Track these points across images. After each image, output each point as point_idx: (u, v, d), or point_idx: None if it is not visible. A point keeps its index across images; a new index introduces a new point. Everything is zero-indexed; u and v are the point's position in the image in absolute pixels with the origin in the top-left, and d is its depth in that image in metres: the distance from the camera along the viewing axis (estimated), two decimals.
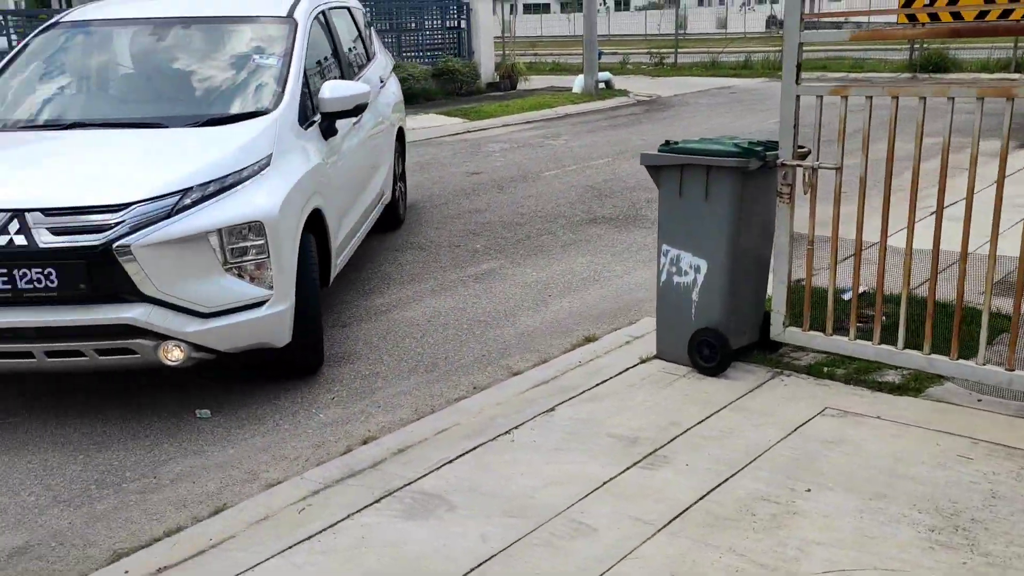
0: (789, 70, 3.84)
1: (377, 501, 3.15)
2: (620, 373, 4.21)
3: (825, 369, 4.08)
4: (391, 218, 6.96)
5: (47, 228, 3.64)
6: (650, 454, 3.40)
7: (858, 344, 3.94)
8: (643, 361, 4.32)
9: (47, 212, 3.65)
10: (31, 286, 3.63)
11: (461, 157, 10.72)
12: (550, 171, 9.63)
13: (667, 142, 4.23)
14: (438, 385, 4.34)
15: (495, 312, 5.35)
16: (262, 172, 4.08)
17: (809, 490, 3.09)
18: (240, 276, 3.90)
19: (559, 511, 3.03)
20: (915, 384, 3.88)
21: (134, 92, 4.96)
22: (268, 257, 3.93)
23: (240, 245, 3.88)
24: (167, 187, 3.78)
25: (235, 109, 4.56)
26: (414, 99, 15.22)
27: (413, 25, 17.44)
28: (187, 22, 5.19)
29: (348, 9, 6.54)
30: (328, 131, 4.87)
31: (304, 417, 4.02)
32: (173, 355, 3.82)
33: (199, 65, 4.92)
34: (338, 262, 5.06)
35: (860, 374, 3.99)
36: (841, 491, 3.08)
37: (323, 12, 5.66)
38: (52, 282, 3.65)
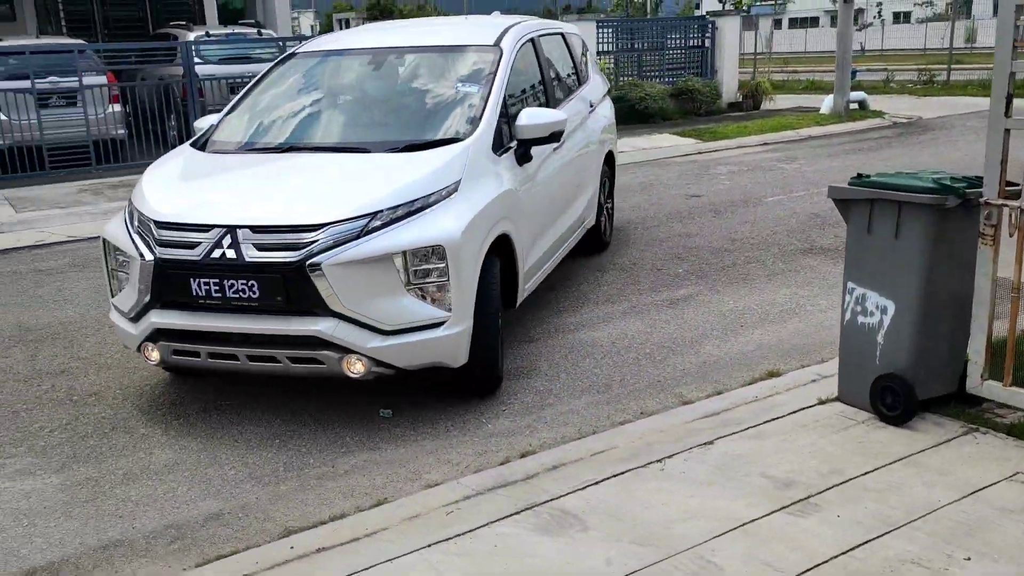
0: (998, 100, 3.53)
1: (517, 513, 3.28)
2: (793, 412, 4.05)
3: None
4: (595, 240, 6.98)
5: (253, 244, 3.97)
6: (801, 500, 3.27)
7: None
8: (821, 402, 4.12)
9: (254, 229, 3.99)
10: (237, 295, 3.98)
11: (685, 179, 10.63)
12: (774, 196, 9.32)
13: (859, 175, 4.03)
14: (607, 407, 4.40)
15: (681, 339, 5.31)
16: (449, 198, 4.23)
17: (969, 559, 2.84)
18: (421, 297, 4.06)
19: (690, 546, 3.00)
20: None
21: (347, 118, 5.24)
22: (448, 280, 4.06)
23: (423, 267, 4.04)
24: (358, 210, 4.01)
25: (432, 135, 4.73)
26: (650, 119, 15.27)
27: (656, 45, 17.47)
28: (401, 52, 5.49)
29: (562, 35, 6.69)
30: (523, 157, 4.95)
31: (473, 426, 4.24)
32: (355, 368, 4.04)
33: (407, 93, 5.20)
34: (528, 286, 5.13)
35: None
36: (1006, 563, 2.80)
37: (532, 40, 5.81)
38: (254, 293, 3.97)
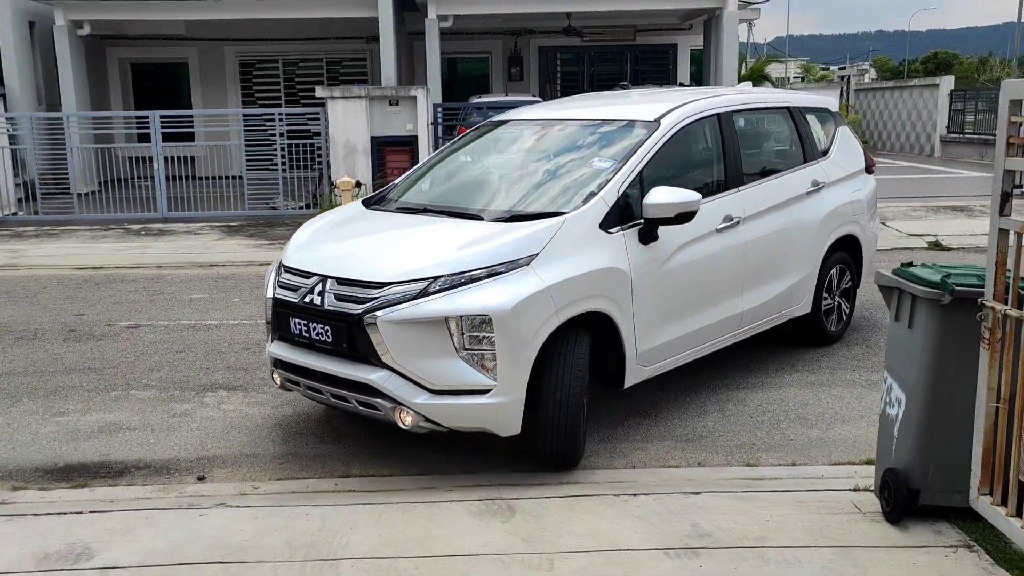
0: (995, 198, 3.34)
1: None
2: (813, 491, 4.11)
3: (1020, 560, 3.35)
4: (814, 332, 6.43)
5: (334, 294, 4.36)
6: (696, 548, 3.54)
7: None
8: (855, 490, 4.09)
9: (339, 281, 4.38)
10: (318, 337, 4.43)
11: None
12: None
13: (903, 263, 3.95)
14: (676, 452, 4.81)
15: (824, 415, 5.31)
16: (517, 270, 4.25)
17: None
18: (469, 362, 4.14)
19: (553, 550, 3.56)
20: None
21: (480, 185, 5.45)
22: (495, 349, 4.12)
23: (474, 334, 4.12)
24: (419, 272, 4.23)
25: (538, 208, 4.75)
26: None
27: None
28: (565, 124, 5.57)
29: (788, 111, 6.35)
30: (647, 236, 4.75)
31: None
32: (406, 420, 4.24)
33: (547, 164, 5.26)
34: (654, 367, 4.98)
35: None
36: None
37: (717, 117, 5.55)
38: (328, 337, 4.38)
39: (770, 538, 3.63)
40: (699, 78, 20.27)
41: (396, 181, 5.86)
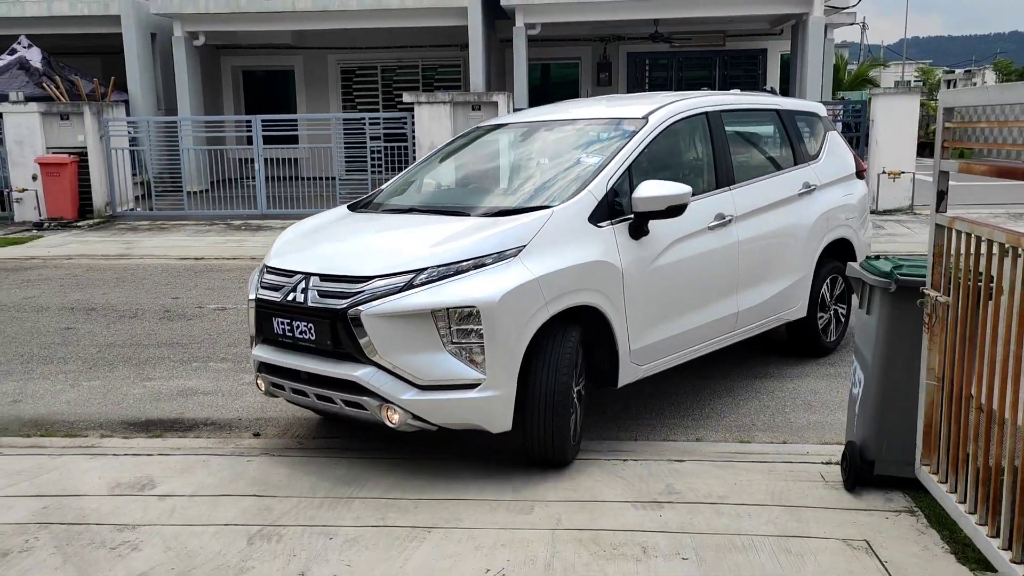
0: (933, 197, 3.68)
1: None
2: (786, 463, 4.49)
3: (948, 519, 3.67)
4: (807, 342, 6.38)
5: (318, 290, 4.29)
6: (669, 502, 4.00)
7: (961, 512, 3.49)
8: (826, 464, 4.44)
9: (322, 277, 4.32)
10: (301, 335, 4.34)
11: None
12: None
13: (867, 257, 4.29)
14: (680, 430, 5.24)
15: (822, 401, 5.63)
16: (503, 262, 4.21)
17: None
18: (457, 356, 4.08)
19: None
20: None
21: (469, 184, 5.55)
22: (483, 342, 4.07)
23: (461, 327, 4.06)
24: (403, 266, 4.17)
25: (525, 203, 4.73)
26: None
27: None
28: (553, 125, 5.59)
29: (777, 113, 6.30)
30: (637, 231, 4.73)
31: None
32: (393, 418, 4.16)
33: (535, 163, 5.35)
34: (648, 366, 4.94)
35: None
36: None
37: (705, 115, 5.53)
38: (312, 335, 4.29)
39: (731, 497, 4.05)
40: (786, 82, 20.23)
41: (383, 187, 5.81)
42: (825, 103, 17.05)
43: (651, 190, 4.65)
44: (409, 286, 4.13)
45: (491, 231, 4.38)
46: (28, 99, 15.25)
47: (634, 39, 21.50)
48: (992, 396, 3.18)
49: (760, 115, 6.38)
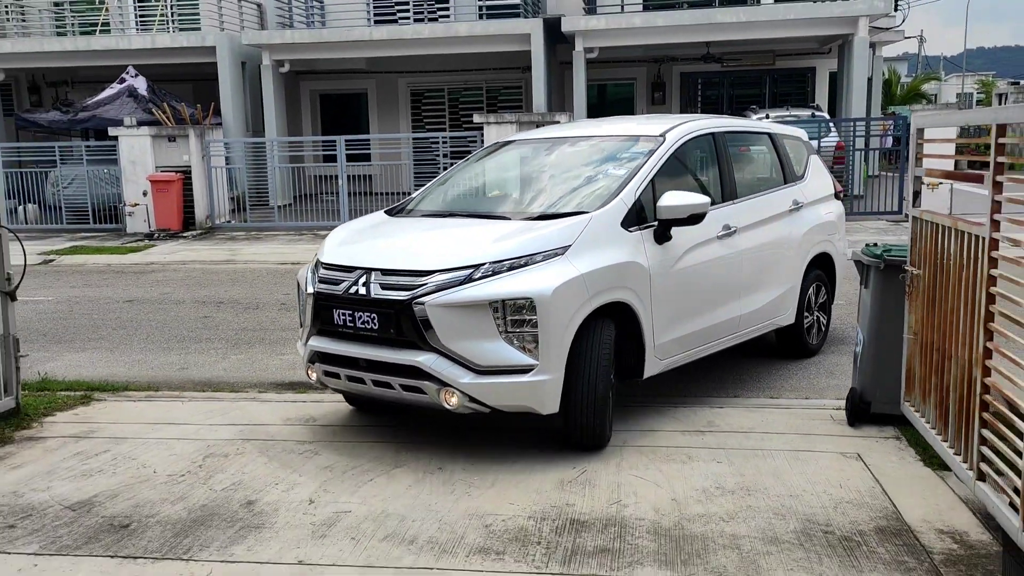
0: (909, 195, 4.86)
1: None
2: (810, 408, 5.66)
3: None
4: (796, 346, 6.96)
5: (380, 284, 4.65)
6: (710, 432, 5.21)
7: (927, 428, 4.65)
8: (837, 409, 5.60)
9: (384, 272, 4.69)
10: (363, 325, 4.66)
11: None
12: None
13: (866, 244, 5.48)
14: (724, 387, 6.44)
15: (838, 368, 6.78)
16: (553, 258, 4.65)
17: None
18: (511, 343, 4.46)
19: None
20: None
21: (504, 193, 6.01)
22: (537, 330, 4.45)
23: (516, 317, 4.45)
24: (463, 261, 4.59)
25: (563, 208, 5.19)
26: None
27: None
28: (576, 140, 6.12)
29: (769, 136, 6.92)
30: (661, 236, 5.21)
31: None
32: (451, 401, 4.52)
33: (564, 173, 5.83)
34: (667, 361, 5.41)
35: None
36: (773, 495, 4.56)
37: (712, 136, 6.09)
38: (375, 324, 4.62)
39: (757, 428, 5.25)
40: (835, 99, 21.20)
41: (414, 195, 6.33)
42: (874, 119, 18.11)
43: (675, 199, 5.16)
44: (469, 280, 4.53)
45: (540, 232, 4.83)
46: (139, 124, 17.06)
47: (687, 60, 22.69)
48: (944, 339, 4.35)
49: (756, 137, 6.93)
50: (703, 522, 3.98)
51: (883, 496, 4.22)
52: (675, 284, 5.35)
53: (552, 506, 4.17)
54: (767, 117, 16.93)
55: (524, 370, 4.49)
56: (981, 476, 3.83)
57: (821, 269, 7.06)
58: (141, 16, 22.84)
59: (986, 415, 3.79)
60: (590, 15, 19.84)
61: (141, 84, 19.19)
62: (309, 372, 5.16)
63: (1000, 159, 3.60)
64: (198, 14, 21.90)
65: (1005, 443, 3.58)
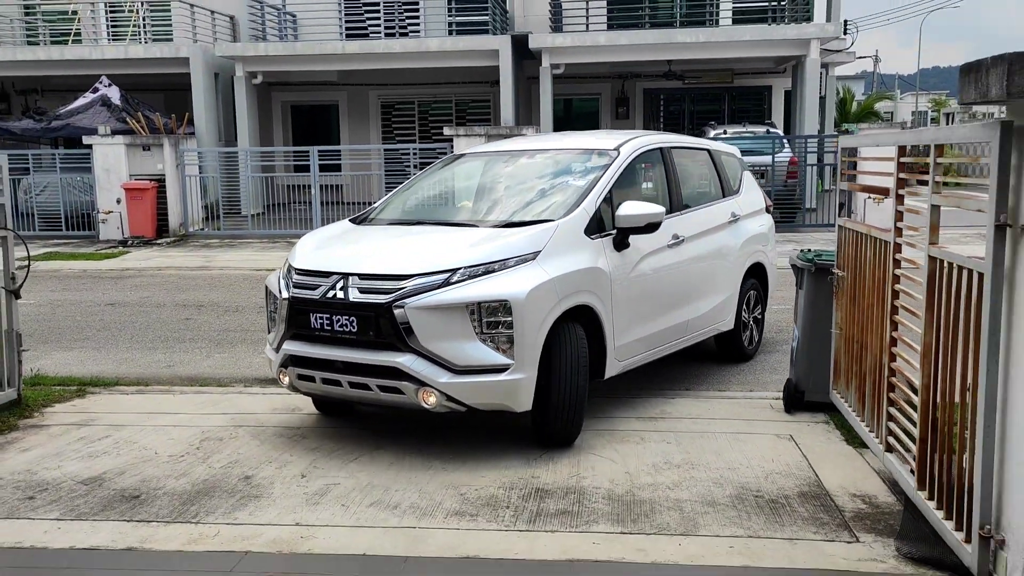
0: (836, 206, 5.48)
1: None
2: (753, 398, 6.26)
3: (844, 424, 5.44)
4: (733, 350, 7.31)
5: (358, 288, 4.82)
6: (656, 419, 5.78)
7: (850, 412, 5.26)
8: (776, 399, 6.20)
9: (361, 276, 4.87)
10: (341, 328, 4.83)
11: None
12: None
13: (801, 250, 6.10)
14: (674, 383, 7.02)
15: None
16: (525, 263, 4.90)
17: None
18: (488, 343, 4.69)
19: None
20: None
21: (468, 202, 6.20)
22: (512, 331, 4.68)
23: (491, 319, 4.67)
24: (440, 266, 4.80)
25: (529, 217, 5.46)
26: None
27: None
28: (534, 153, 6.42)
29: (708, 152, 7.26)
30: (620, 244, 5.51)
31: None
32: (429, 400, 4.70)
33: (525, 183, 6.07)
34: (626, 362, 5.72)
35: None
36: (691, 466, 5.14)
37: (660, 150, 6.44)
38: (353, 327, 4.77)
39: (704, 415, 5.83)
40: (789, 116, 22.07)
41: (376, 204, 6.53)
42: (827, 136, 18.93)
43: (633, 209, 5.48)
44: (446, 283, 4.75)
45: (511, 238, 5.08)
46: (113, 132, 17.36)
47: (650, 76, 23.46)
48: (863, 332, 4.97)
49: (698, 152, 7.23)
50: (651, 490, 4.53)
51: (808, 469, 4.81)
52: (632, 289, 5.66)
53: (519, 478, 4.70)
54: (724, 133, 17.68)
55: (500, 369, 4.71)
56: (889, 448, 4.45)
57: (755, 279, 7.43)
58: (113, 27, 23.10)
59: (892, 395, 4.41)
60: (556, 33, 20.52)
61: (115, 94, 19.48)
62: (281, 376, 5.25)
63: (902, 175, 4.22)
64: (170, 25, 22.25)
65: (906, 418, 4.19)
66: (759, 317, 7.66)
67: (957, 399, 3.57)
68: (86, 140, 17.25)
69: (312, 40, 21.25)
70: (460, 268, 4.83)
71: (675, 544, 3.91)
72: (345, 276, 4.93)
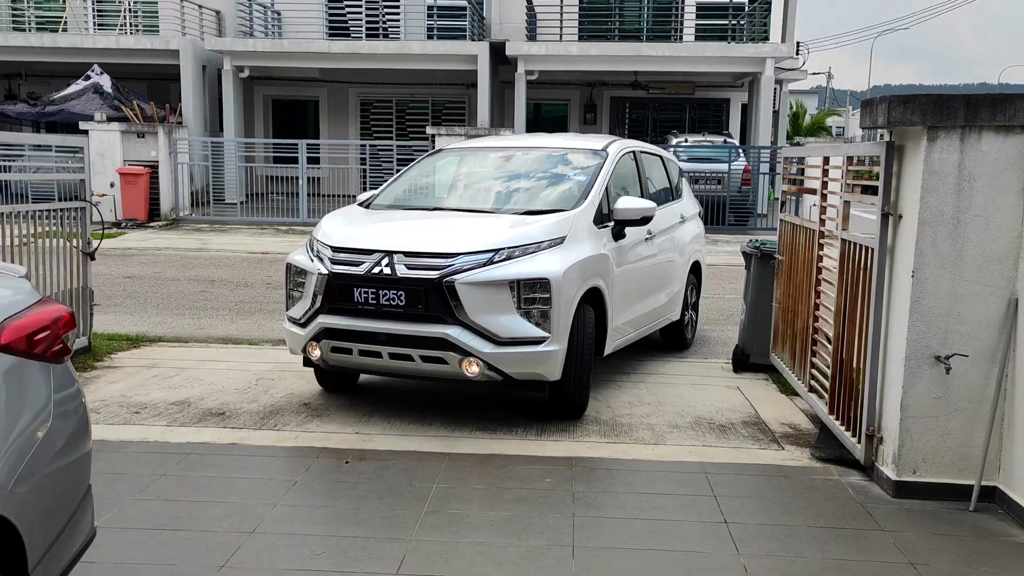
0: (779, 204, 6.82)
1: None
2: (704, 364, 7.58)
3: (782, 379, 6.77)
4: (677, 339, 7.94)
5: (405, 264, 5.12)
6: (634, 375, 7.07)
7: (785, 368, 6.59)
8: (727, 363, 7.52)
9: (406, 254, 5.17)
10: (388, 303, 5.11)
11: None
12: None
13: (750, 240, 7.44)
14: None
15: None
16: (555, 247, 5.33)
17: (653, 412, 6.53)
18: (527, 317, 5.09)
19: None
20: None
21: (482, 192, 6.53)
22: (550, 307, 5.07)
23: (529, 295, 5.07)
24: (485, 245, 5.16)
25: (547, 206, 5.91)
26: None
27: None
28: (528, 150, 6.92)
29: (661, 158, 7.94)
30: (618, 235, 6.04)
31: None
32: (472, 370, 5.06)
33: (531, 176, 6.55)
34: (617, 342, 6.32)
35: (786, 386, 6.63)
36: (663, 407, 6.44)
37: (633, 153, 7.02)
38: (401, 301, 5.07)
39: (669, 372, 7.13)
40: (745, 128, 23.64)
41: (378, 191, 6.79)
42: (779, 148, 20.45)
43: (631, 203, 6.13)
44: (490, 262, 5.13)
45: (542, 223, 5.51)
46: (108, 119, 18.23)
47: (617, 85, 24.87)
48: (795, 303, 6.31)
49: (655, 158, 7.83)
50: (629, 418, 5.82)
51: (750, 407, 6.13)
52: (625, 276, 6.21)
53: (525, 414, 5.94)
54: (686, 141, 19.11)
55: (537, 341, 5.12)
56: (811, 389, 5.78)
57: (694, 276, 8.14)
58: (99, 14, 23.81)
59: (815, 348, 5.75)
60: (531, 41, 21.80)
61: (106, 82, 20.28)
62: (311, 349, 5.44)
63: (825, 179, 5.56)
64: (156, 14, 23.08)
65: (824, 364, 5.54)
66: (696, 310, 8.44)
67: (857, 345, 4.90)
68: (82, 126, 18.08)
69: (296, 37, 22.26)
70: (503, 248, 5.20)
71: (649, 449, 5.21)
72: (389, 254, 5.20)
